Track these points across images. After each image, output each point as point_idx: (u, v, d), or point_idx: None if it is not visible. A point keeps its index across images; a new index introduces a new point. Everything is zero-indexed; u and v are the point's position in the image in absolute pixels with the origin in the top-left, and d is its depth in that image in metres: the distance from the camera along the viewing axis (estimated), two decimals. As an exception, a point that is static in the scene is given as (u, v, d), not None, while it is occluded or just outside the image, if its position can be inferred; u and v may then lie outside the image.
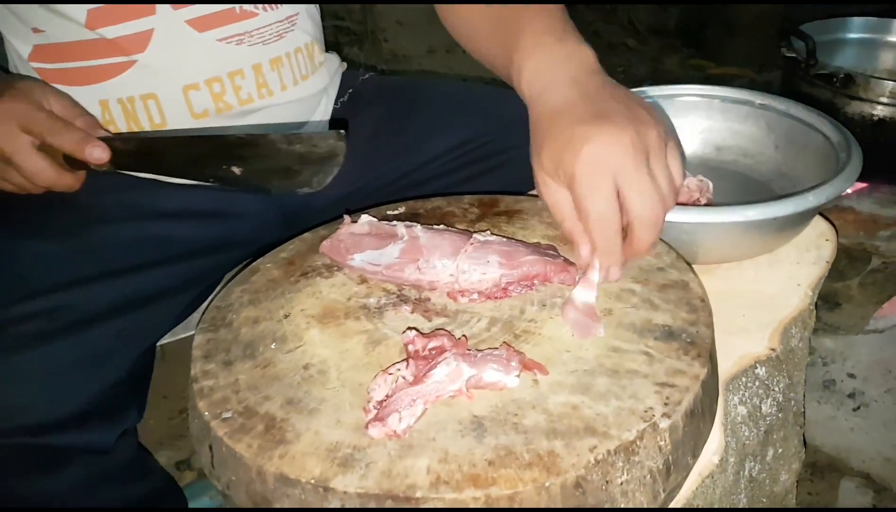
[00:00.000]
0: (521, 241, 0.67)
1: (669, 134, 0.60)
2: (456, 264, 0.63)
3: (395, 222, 0.68)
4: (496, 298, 0.63)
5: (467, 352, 0.54)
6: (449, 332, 0.58)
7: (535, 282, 0.63)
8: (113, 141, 0.74)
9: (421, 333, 0.57)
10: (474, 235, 0.65)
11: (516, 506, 0.45)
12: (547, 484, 0.45)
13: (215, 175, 0.75)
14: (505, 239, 0.65)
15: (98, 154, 0.73)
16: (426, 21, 2.80)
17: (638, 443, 0.48)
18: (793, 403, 0.73)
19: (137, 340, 0.78)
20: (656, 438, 0.49)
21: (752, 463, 0.67)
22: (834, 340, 1.28)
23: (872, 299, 1.24)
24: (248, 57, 0.85)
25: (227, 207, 0.87)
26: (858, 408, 1.22)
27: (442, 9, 0.85)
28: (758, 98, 0.93)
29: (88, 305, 0.72)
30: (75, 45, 0.78)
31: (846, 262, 1.20)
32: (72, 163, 0.74)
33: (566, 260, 0.64)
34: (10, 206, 0.79)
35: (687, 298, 0.60)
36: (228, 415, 0.52)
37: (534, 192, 0.67)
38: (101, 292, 0.74)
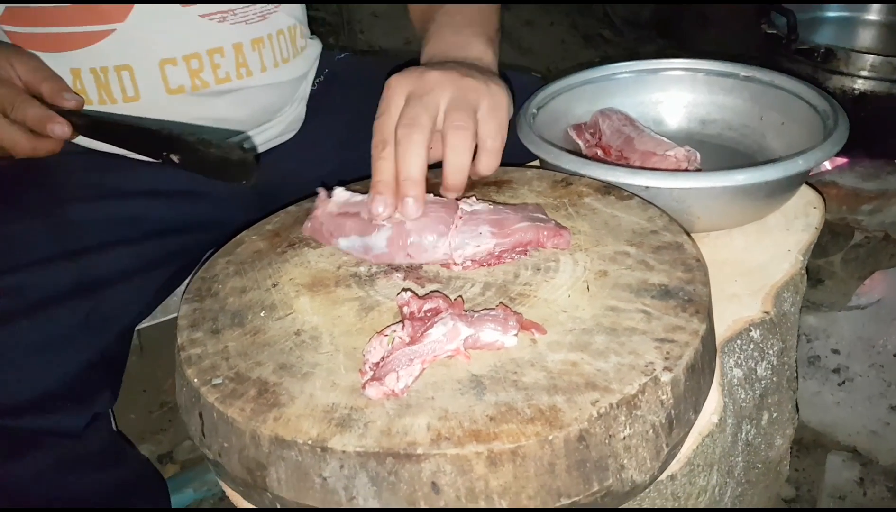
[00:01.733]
0: (509, 205, 0.66)
1: (499, 109, 0.67)
2: (448, 242, 0.61)
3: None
4: (490, 265, 0.62)
5: (464, 312, 0.53)
6: (444, 294, 0.56)
7: (529, 248, 0.62)
8: (71, 116, 0.74)
9: (416, 295, 0.56)
10: (460, 206, 0.63)
11: (519, 460, 0.44)
12: (550, 437, 0.44)
13: (163, 158, 0.72)
14: (491, 205, 0.64)
15: (60, 131, 0.73)
16: (402, 13, 2.78)
17: (640, 397, 0.47)
18: (786, 367, 0.72)
19: (108, 321, 0.75)
20: (658, 392, 0.48)
21: (749, 426, 0.67)
22: (817, 317, 1.29)
23: (855, 275, 1.25)
24: (230, 35, 0.83)
25: (199, 187, 0.84)
26: (843, 383, 1.23)
27: None
28: (742, 70, 0.93)
29: (54, 284, 0.70)
30: (51, 9, 0.76)
31: (829, 237, 1.20)
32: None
33: (557, 224, 0.63)
34: None
35: (682, 259, 0.59)
36: (219, 381, 0.51)
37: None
38: (68, 271, 0.72)
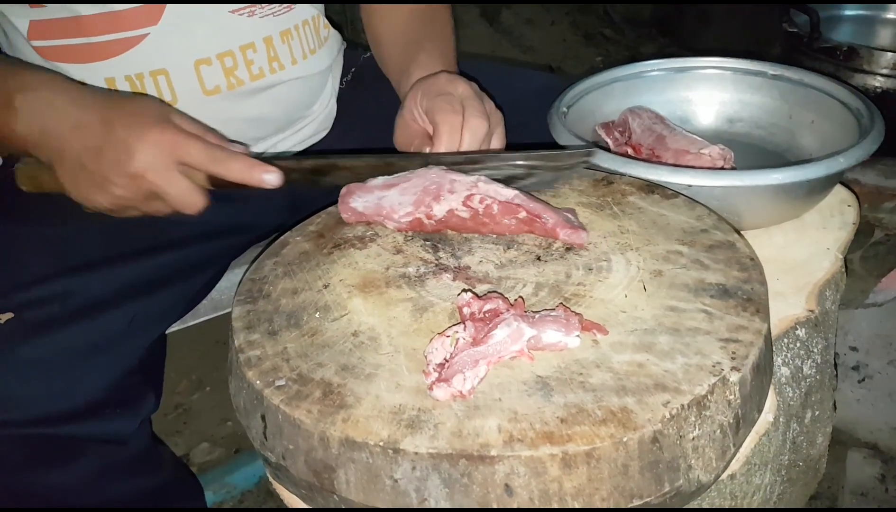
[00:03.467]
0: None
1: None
2: (475, 180, 0.64)
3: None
4: (500, 231, 0.64)
5: (524, 313, 0.53)
6: (502, 294, 0.56)
7: (540, 227, 0.64)
8: (281, 161, 0.68)
9: (476, 295, 0.55)
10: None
11: (594, 462, 0.44)
12: (624, 439, 0.44)
13: None
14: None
15: (275, 180, 0.67)
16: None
17: (709, 397, 0.47)
18: (828, 365, 0.73)
19: (149, 326, 0.76)
20: (726, 392, 0.48)
21: (794, 425, 0.67)
22: (835, 315, 1.29)
23: (874, 272, 1.25)
24: (259, 29, 0.82)
25: (234, 191, 0.84)
26: (863, 380, 1.23)
27: (365, 9, 0.96)
28: (771, 68, 0.93)
29: (100, 289, 0.70)
30: (80, 19, 0.74)
31: (849, 235, 1.20)
32: (216, 184, 0.68)
33: (578, 224, 0.64)
34: (19, 191, 0.76)
35: (736, 258, 0.59)
36: (282, 382, 0.50)
37: None
38: (113, 276, 0.71)
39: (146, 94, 0.74)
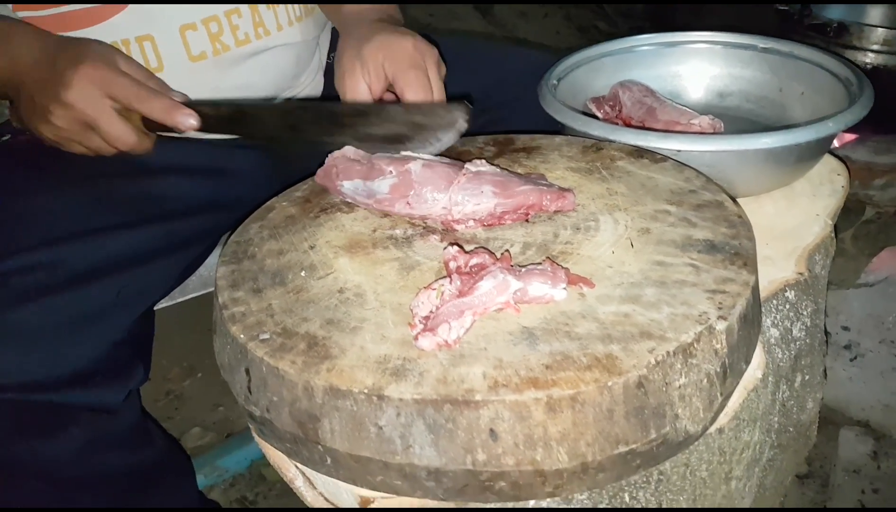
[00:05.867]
0: (513, 171, 0.66)
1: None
2: (448, 196, 0.61)
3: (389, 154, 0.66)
4: (489, 225, 0.61)
5: (511, 266, 0.52)
6: (488, 249, 0.56)
7: (530, 212, 0.62)
8: (201, 106, 0.72)
9: (463, 249, 0.55)
10: (466, 166, 0.62)
11: (578, 406, 0.44)
12: (609, 384, 0.44)
13: (312, 140, 0.73)
14: (498, 169, 0.63)
15: (190, 122, 0.70)
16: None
17: (695, 345, 0.47)
18: (818, 330, 0.72)
19: (137, 298, 0.75)
20: (712, 340, 0.48)
21: (784, 387, 0.67)
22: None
23: (865, 251, 1.25)
24: None
25: (224, 164, 0.84)
26: (855, 358, 1.23)
27: None
28: (761, 42, 0.93)
29: (89, 259, 0.70)
30: None
31: (840, 213, 1.20)
32: (148, 126, 0.72)
33: (560, 188, 0.63)
34: (6, 162, 0.75)
35: (724, 216, 0.59)
36: (266, 336, 0.50)
37: None
38: (102, 247, 0.71)
39: (100, 41, 0.75)
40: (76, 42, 0.73)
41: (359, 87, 0.76)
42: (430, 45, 0.78)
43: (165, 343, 1.52)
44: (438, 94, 0.76)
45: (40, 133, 0.72)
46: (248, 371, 0.50)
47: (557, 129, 0.82)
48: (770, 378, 0.61)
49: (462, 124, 0.68)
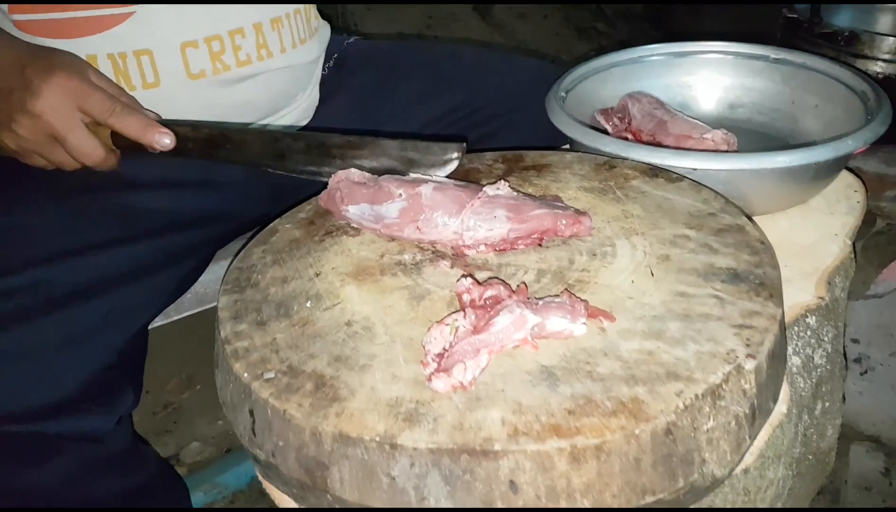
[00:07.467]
0: (527, 194, 0.63)
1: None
2: (461, 220, 0.58)
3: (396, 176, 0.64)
4: (502, 250, 0.59)
5: (527, 299, 0.50)
6: (503, 280, 0.53)
7: (545, 237, 0.59)
8: (178, 127, 0.70)
9: (477, 281, 0.53)
10: (485, 189, 0.60)
11: (604, 455, 0.42)
12: (636, 431, 0.42)
13: (298, 170, 0.71)
14: (514, 192, 0.61)
15: (165, 141, 0.69)
16: (394, 6, 2.76)
17: (724, 386, 0.45)
18: (838, 355, 0.70)
19: (126, 319, 0.72)
20: (741, 380, 0.45)
21: (805, 416, 0.64)
22: (836, 306, 1.27)
23: (874, 262, 1.22)
24: (250, 15, 0.80)
25: (213, 176, 0.81)
26: (865, 372, 1.21)
27: None
28: (773, 52, 0.91)
29: (73, 279, 0.67)
30: None
31: (851, 225, 1.18)
32: (117, 142, 0.70)
33: (576, 211, 0.60)
34: None
35: (746, 241, 0.57)
36: (271, 375, 0.48)
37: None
38: (86, 267, 0.68)
39: (71, 53, 0.72)
40: (47, 51, 0.70)
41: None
42: None
43: (163, 354, 1.49)
44: None
45: (2, 142, 0.69)
46: (252, 412, 0.48)
47: (560, 141, 0.80)
48: (794, 411, 0.59)
49: (455, 164, 0.67)
